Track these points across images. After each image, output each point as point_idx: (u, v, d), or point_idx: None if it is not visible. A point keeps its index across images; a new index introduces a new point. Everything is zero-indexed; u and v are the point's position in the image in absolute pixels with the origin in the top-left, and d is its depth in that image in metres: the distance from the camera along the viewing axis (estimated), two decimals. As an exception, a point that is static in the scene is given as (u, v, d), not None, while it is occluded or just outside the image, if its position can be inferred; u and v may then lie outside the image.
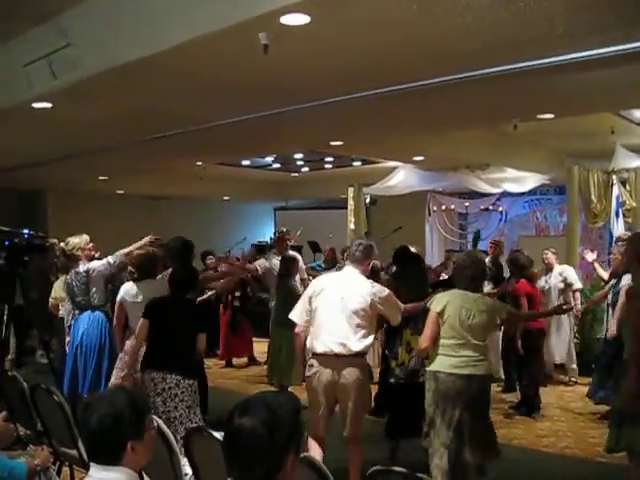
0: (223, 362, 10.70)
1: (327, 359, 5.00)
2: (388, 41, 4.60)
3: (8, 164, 10.31)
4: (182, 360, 5.28)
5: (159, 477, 3.75)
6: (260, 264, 8.11)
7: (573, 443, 6.49)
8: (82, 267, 6.60)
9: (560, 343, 8.88)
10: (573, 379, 8.93)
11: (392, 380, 5.91)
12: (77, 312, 6.74)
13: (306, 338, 5.22)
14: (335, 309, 5.01)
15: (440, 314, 4.92)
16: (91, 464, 2.36)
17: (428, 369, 5.01)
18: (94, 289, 6.63)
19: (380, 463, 4.50)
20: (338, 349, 4.96)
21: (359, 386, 5.03)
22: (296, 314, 5.27)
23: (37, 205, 14.97)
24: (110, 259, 6.64)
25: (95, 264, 6.66)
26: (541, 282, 8.82)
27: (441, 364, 4.89)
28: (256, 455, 2.00)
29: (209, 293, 8.54)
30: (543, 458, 6.17)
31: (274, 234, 9.02)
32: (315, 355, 5.10)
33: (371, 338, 5.13)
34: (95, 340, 6.56)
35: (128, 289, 6.09)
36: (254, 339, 11.03)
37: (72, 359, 6.57)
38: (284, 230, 8.62)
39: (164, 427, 3.58)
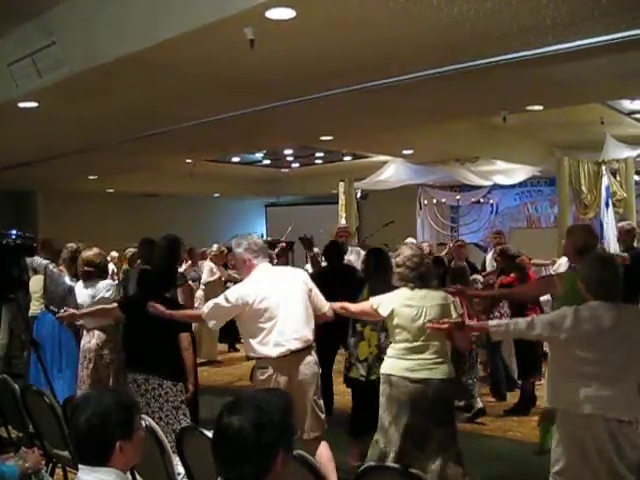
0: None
1: (283, 361, 4.66)
2: (375, 34, 4.58)
3: (-4, 164, 10.27)
4: (163, 362, 5.15)
5: (151, 476, 3.74)
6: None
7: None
8: (67, 280, 6.74)
9: None
10: None
11: (358, 376, 5.58)
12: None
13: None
14: (279, 308, 4.67)
15: (389, 316, 4.62)
16: (80, 466, 2.34)
17: (381, 372, 4.71)
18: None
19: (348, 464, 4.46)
20: (296, 345, 4.65)
21: (316, 377, 4.81)
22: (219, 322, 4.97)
23: (27, 205, 14.89)
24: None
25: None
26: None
27: (394, 367, 4.60)
28: (244, 454, 1.98)
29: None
30: (538, 450, 6.16)
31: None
32: (267, 359, 4.73)
33: (312, 326, 4.82)
34: (51, 341, 6.68)
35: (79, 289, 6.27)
36: None
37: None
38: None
39: (155, 426, 3.56)
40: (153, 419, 5.03)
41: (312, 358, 4.81)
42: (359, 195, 15.33)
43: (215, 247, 10.39)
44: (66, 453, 4.38)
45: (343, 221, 14.48)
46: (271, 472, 2.02)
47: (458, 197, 15.37)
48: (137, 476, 3.76)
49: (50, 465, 4.57)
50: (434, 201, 15.66)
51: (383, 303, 4.67)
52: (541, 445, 5.57)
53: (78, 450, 2.38)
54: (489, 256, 9.87)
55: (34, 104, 6.21)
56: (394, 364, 4.60)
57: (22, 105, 6.24)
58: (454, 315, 4.58)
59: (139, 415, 2.46)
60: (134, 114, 6.98)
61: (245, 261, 4.99)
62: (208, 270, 9.92)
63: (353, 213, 14.99)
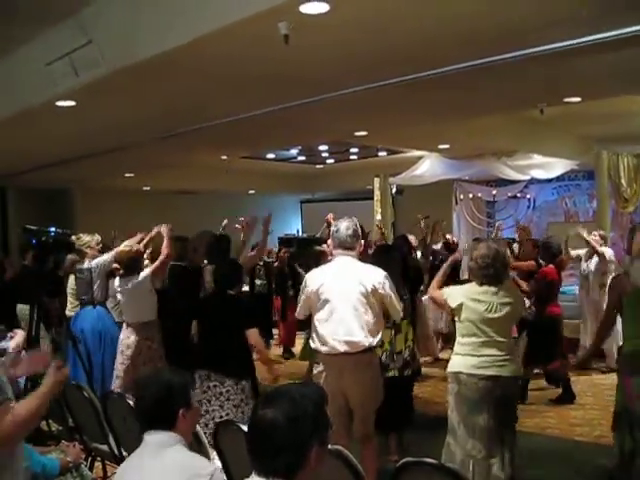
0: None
1: (333, 359, 4.65)
2: (410, 27, 4.55)
3: (35, 164, 10.41)
4: (227, 358, 5.21)
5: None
6: None
7: (607, 431, 6.36)
8: (86, 264, 6.88)
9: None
10: (608, 367, 8.80)
11: (393, 374, 5.59)
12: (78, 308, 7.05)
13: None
14: (337, 305, 4.60)
15: (456, 310, 4.62)
16: (145, 433, 2.63)
17: (449, 370, 4.66)
18: (96, 285, 6.87)
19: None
20: (343, 347, 4.57)
21: (369, 384, 4.70)
22: (301, 313, 4.97)
23: (65, 203, 15.10)
24: (112, 253, 6.85)
25: (97, 260, 6.88)
26: (582, 265, 8.79)
27: (462, 364, 4.55)
28: (277, 447, 1.98)
29: None
30: (576, 447, 6.09)
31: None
32: (320, 355, 4.80)
33: (378, 330, 4.69)
34: (98, 333, 6.76)
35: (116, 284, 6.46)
36: (299, 334, 10.96)
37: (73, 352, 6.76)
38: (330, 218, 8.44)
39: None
40: (213, 418, 5.08)
41: (368, 361, 4.68)
42: (394, 190, 15.26)
43: None
44: (105, 447, 4.43)
45: (378, 217, 14.45)
46: (305, 466, 2.01)
47: (494, 192, 15.20)
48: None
49: (89, 459, 4.63)
50: (470, 196, 15.53)
51: (452, 295, 4.70)
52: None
53: (145, 421, 2.65)
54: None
55: (72, 103, 6.29)
56: (462, 361, 4.56)
57: (60, 104, 6.31)
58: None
59: (194, 389, 2.81)
60: (169, 111, 7.03)
61: (329, 245, 5.03)
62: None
63: (388, 208, 14.94)
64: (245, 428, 3.17)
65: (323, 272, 4.84)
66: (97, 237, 7.34)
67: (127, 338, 6.25)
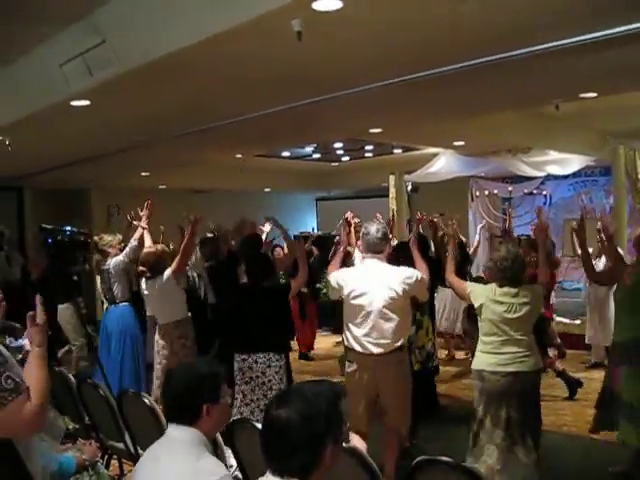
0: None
1: (366, 358, 4.85)
2: (423, 23, 4.52)
3: (50, 164, 10.46)
4: (265, 339, 5.43)
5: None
6: None
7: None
8: (106, 265, 6.98)
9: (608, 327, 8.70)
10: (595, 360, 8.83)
11: (415, 368, 5.79)
12: (106, 306, 7.17)
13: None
14: (368, 309, 4.81)
15: (477, 309, 4.78)
16: (169, 424, 2.58)
17: (473, 368, 4.88)
18: (116, 284, 6.95)
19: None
20: (377, 350, 4.80)
21: (401, 381, 4.93)
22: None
23: (80, 204, 15.16)
24: (126, 252, 6.93)
25: (114, 260, 6.95)
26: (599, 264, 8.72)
27: (485, 362, 4.74)
28: (291, 446, 1.98)
29: None
30: (593, 445, 6.06)
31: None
32: (353, 352, 4.95)
33: (408, 329, 5.02)
34: (118, 332, 6.82)
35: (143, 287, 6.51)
36: (319, 331, 10.89)
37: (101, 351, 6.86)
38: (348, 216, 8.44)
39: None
40: (258, 406, 5.22)
41: (399, 359, 4.90)
42: (410, 188, 15.22)
43: None
44: (121, 445, 4.45)
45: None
46: (320, 465, 2.01)
47: (510, 188, 15.12)
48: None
49: (106, 457, 4.66)
50: (486, 193, 15.45)
51: (475, 293, 4.85)
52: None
53: (170, 410, 2.62)
54: None
55: (86, 102, 6.30)
56: (485, 359, 4.75)
57: (74, 104, 6.33)
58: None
59: (226, 384, 2.67)
60: (183, 110, 7.03)
61: (358, 247, 5.21)
62: None
63: (404, 206, 14.89)
64: (259, 426, 3.19)
65: (354, 275, 5.04)
66: (119, 237, 7.43)
67: (161, 338, 6.27)
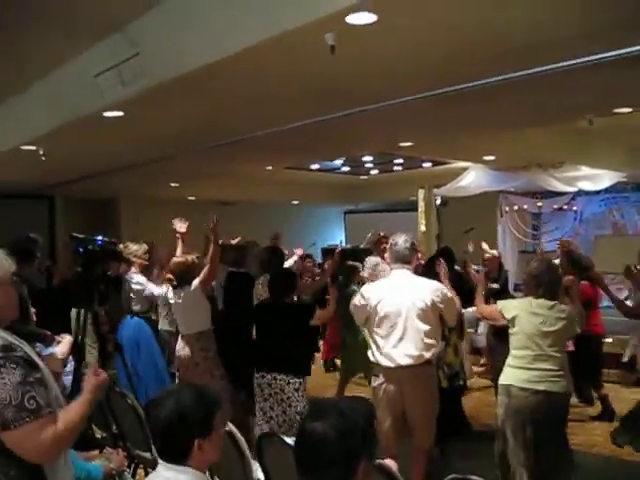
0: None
1: (393, 372, 4.76)
2: (457, 38, 4.51)
3: (82, 173, 10.58)
4: (283, 359, 5.37)
5: (231, 481, 3.76)
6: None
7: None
8: (129, 275, 6.94)
9: None
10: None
11: (442, 385, 5.69)
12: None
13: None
14: (396, 319, 4.74)
15: (510, 321, 4.64)
16: (159, 461, 2.37)
17: (500, 382, 4.70)
18: (136, 300, 6.95)
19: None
20: (405, 361, 4.71)
21: (428, 396, 4.83)
22: (360, 321, 5.11)
23: (110, 213, 15.31)
24: (155, 292, 6.88)
25: (139, 281, 6.91)
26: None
27: (514, 377, 4.57)
28: (327, 460, 1.96)
29: None
30: (624, 466, 5.95)
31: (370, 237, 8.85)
32: (380, 367, 4.87)
33: (437, 342, 4.85)
34: (134, 344, 6.80)
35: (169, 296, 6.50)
36: None
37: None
38: (381, 234, 8.42)
39: (235, 431, 3.58)
40: (277, 423, 5.19)
41: (428, 373, 4.81)
42: (439, 202, 15.16)
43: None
44: (148, 455, 4.45)
45: (423, 228, 14.35)
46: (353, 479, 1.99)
47: (540, 204, 15.01)
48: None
49: (132, 466, 4.66)
50: (515, 208, 15.34)
51: (507, 307, 4.74)
52: None
53: (157, 447, 2.39)
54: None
55: (119, 113, 6.37)
56: (514, 375, 4.57)
57: (107, 114, 6.40)
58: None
59: (220, 412, 2.43)
60: (214, 122, 7.08)
61: (385, 259, 5.18)
62: None
63: (433, 220, 14.82)
64: (289, 441, 3.18)
65: (381, 287, 4.98)
66: (144, 246, 7.37)
67: (182, 349, 6.27)
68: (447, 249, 7.48)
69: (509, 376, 4.62)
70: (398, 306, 4.74)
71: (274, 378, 5.35)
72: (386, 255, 5.49)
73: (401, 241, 4.90)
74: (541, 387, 4.45)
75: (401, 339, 4.71)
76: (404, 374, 4.72)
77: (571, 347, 6.05)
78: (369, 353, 5.02)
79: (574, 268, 7.14)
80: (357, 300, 5.04)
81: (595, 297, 7.34)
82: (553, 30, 4.34)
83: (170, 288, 6.44)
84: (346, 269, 7.98)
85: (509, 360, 4.67)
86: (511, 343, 4.68)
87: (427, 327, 4.71)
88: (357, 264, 8.26)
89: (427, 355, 4.72)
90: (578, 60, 4.72)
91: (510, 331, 4.68)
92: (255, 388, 5.45)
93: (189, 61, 4.98)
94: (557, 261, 9.03)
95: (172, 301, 6.37)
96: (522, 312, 4.62)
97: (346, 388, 7.93)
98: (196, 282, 6.15)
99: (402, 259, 4.90)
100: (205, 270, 6.17)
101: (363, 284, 8.40)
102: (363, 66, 5.10)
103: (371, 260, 7.18)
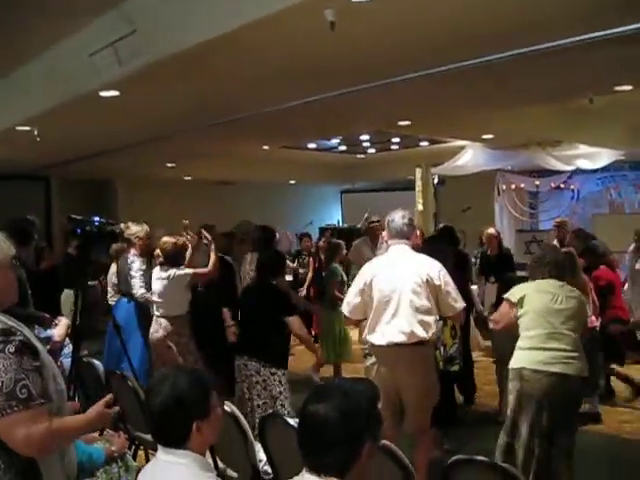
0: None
1: (385, 351, 4.48)
2: (456, 14, 4.45)
3: (78, 153, 10.51)
4: (263, 346, 5.22)
5: (233, 463, 3.76)
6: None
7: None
8: (130, 258, 6.82)
9: None
10: None
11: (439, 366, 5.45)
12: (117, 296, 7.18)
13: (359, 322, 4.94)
14: (391, 295, 4.44)
15: (519, 302, 4.42)
16: (158, 446, 2.32)
17: (511, 367, 4.42)
18: (134, 280, 6.87)
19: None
20: (398, 338, 4.40)
21: (424, 378, 4.52)
22: (345, 305, 4.78)
23: (107, 194, 15.26)
24: (138, 292, 6.80)
25: (135, 279, 6.82)
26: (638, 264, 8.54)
27: (526, 359, 4.31)
28: (330, 442, 1.93)
29: None
30: (625, 444, 5.95)
31: (366, 220, 8.72)
32: (373, 347, 4.61)
33: (434, 319, 4.50)
34: (128, 327, 6.73)
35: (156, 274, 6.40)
36: None
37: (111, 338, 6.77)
38: (375, 219, 8.29)
39: (238, 413, 3.56)
40: (252, 406, 5.13)
41: (423, 354, 4.51)
42: (436, 181, 15.10)
43: None
44: (149, 437, 4.43)
45: (420, 207, 14.31)
46: (357, 461, 1.97)
47: (537, 182, 14.96)
48: (219, 462, 3.78)
49: (133, 448, 4.65)
50: (512, 187, 15.30)
51: (515, 291, 4.55)
52: None
53: (155, 431, 2.34)
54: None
55: (115, 93, 6.30)
56: (526, 356, 4.34)
57: (104, 94, 6.33)
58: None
59: (215, 392, 2.38)
60: (211, 101, 7.03)
61: (383, 237, 4.97)
62: None
63: (430, 199, 14.76)
64: (292, 422, 3.16)
65: (377, 262, 4.75)
66: (146, 228, 7.22)
67: (156, 332, 6.21)
68: (449, 228, 7.29)
69: (520, 358, 4.36)
70: (393, 281, 4.47)
71: (245, 365, 5.25)
72: (380, 238, 5.35)
73: (398, 217, 4.64)
74: (555, 369, 4.20)
75: (394, 315, 4.43)
76: (397, 355, 4.43)
77: (596, 322, 5.99)
78: (364, 331, 4.77)
79: (591, 256, 6.93)
80: (351, 295, 4.75)
81: (617, 280, 7.13)
82: (556, 7, 4.29)
83: (158, 266, 6.40)
84: (331, 247, 8.41)
85: (519, 342, 4.43)
86: (521, 325, 4.43)
87: (422, 303, 4.42)
88: (340, 241, 8.55)
89: (421, 334, 4.40)
90: (579, 37, 4.68)
91: (519, 313, 4.45)
92: (236, 368, 5.36)
93: (186, 39, 4.92)
94: (555, 241, 9.04)
95: (155, 277, 6.31)
96: (530, 291, 4.45)
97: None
98: (189, 271, 6.14)
99: (400, 234, 4.62)
100: (204, 270, 6.27)
101: (347, 265, 8.55)
102: (362, 43, 5.05)
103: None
